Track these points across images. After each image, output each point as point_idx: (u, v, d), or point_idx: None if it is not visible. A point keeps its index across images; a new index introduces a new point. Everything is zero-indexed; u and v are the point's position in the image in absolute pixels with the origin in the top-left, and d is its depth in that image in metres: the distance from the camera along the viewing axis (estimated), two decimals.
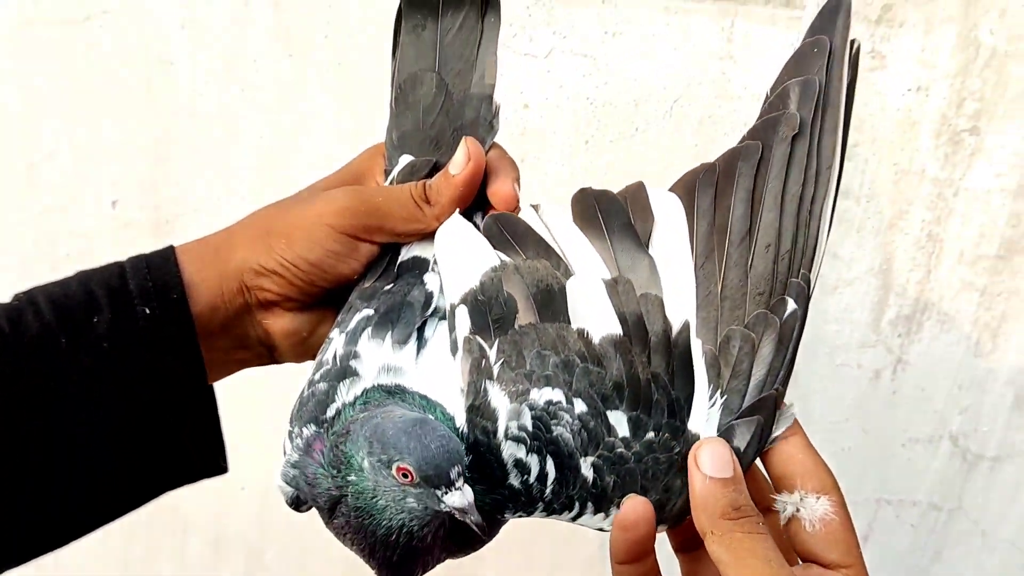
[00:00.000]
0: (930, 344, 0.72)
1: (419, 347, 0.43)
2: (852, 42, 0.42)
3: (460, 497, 0.36)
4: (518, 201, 0.46)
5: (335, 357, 0.42)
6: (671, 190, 0.43)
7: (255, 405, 0.70)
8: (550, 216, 0.44)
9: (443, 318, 0.43)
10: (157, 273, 0.44)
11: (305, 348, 0.47)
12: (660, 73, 0.70)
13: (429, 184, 0.45)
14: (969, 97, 0.67)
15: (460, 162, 0.44)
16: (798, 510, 0.38)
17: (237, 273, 0.45)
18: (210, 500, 0.89)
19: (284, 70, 0.75)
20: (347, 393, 0.41)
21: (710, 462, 0.37)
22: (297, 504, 0.44)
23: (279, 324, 0.46)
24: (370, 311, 0.43)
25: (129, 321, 0.43)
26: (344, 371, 0.42)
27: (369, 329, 0.42)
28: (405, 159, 0.48)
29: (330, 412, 0.41)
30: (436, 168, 0.47)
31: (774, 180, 0.41)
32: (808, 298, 0.39)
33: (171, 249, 0.45)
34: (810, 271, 0.39)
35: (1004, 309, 0.70)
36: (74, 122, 0.78)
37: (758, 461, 0.39)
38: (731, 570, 0.36)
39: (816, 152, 0.41)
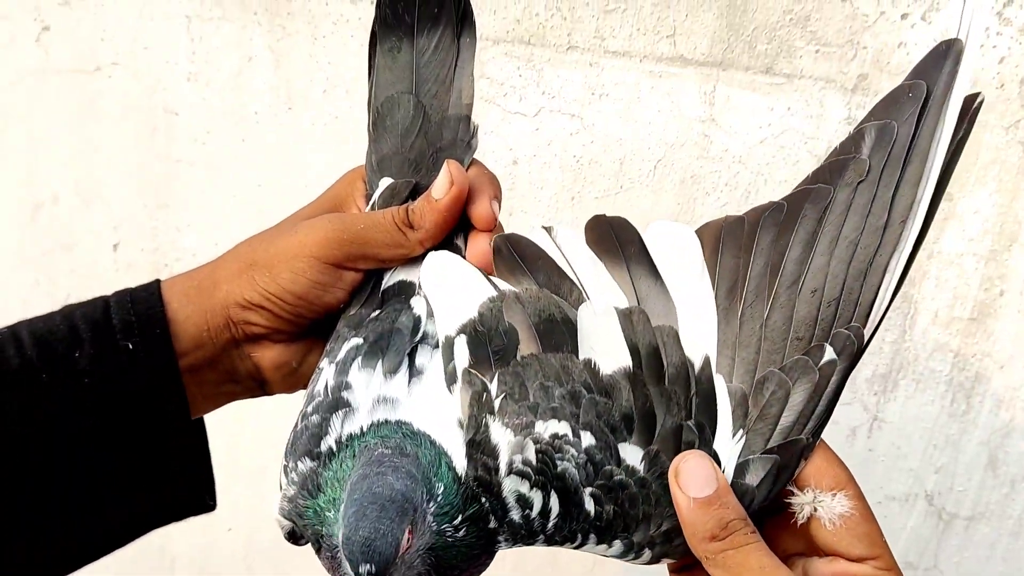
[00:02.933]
0: (905, 403, 0.72)
1: (410, 375, 0.41)
2: (976, 95, 0.39)
3: None
4: (497, 220, 0.45)
5: (326, 388, 0.40)
6: (697, 232, 0.42)
7: (242, 447, 0.70)
8: (564, 240, 0.42)
9: (434, 346, 0.41)
10: (141, 307, 0.43)
11: (296, 378, 0.45)
12: (644, 134, 0.71)
13: (412, 208, 0.43)
14: None
15: (443, 186, 0.43)
16: (815, 509, 0.37)
17: (222, 308, 0.43)
18: (197, 541, 0.88)
19: (283, 123, 0.76)
20: (340, 426, 0.39)
21: (691, 481, 0.36)
22: (294, 538, 0.42)
23: (268, 356, 0.44)
24: (359, 340, 0.41)
25: (111, 356, 0.42)
26: (336, 403, 0.40)
27: (359, 359, 0.41)
28: (385, 182, 0.46)
29: (324, 446, 0.39)
30: (417, 190, 0.45)
31: (831, 225, 0.39)
32: (858, 352, 0.37)
33: (156, 283, 0.44)
34: (863, 325, 0.37)
35: (978, 370, 0.70)
36: (79, 167, 0.79)
37: None
38: None
39: (889, 203, 0.38)
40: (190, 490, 0.46)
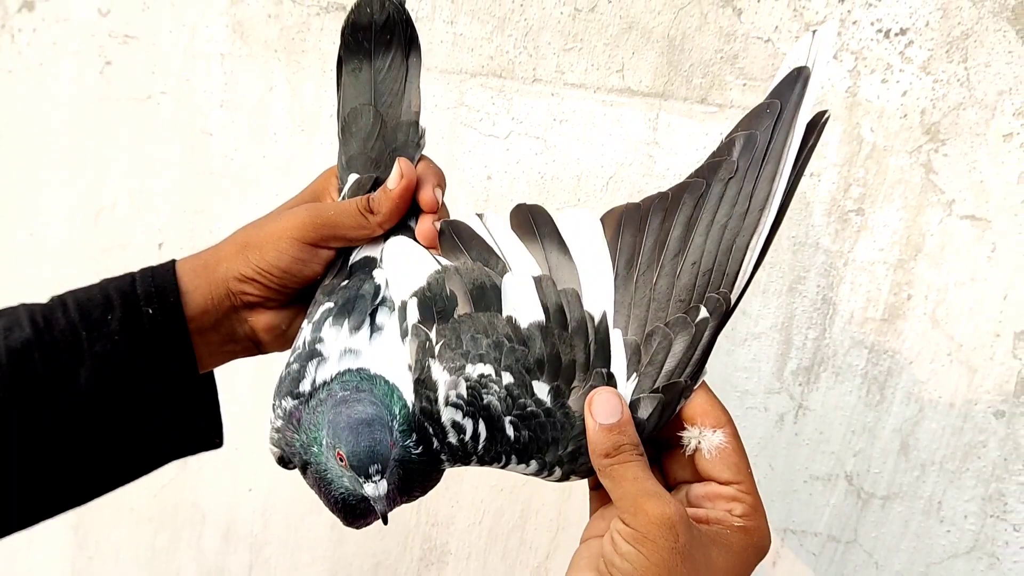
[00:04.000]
0: (826, 393, 0.81)
1: (372, 332, 0.50)
2: (824, 112, 0.47)
3: (373, 488, 0.44)
4: (439, 204, 0.54)
5: (304, 343, 0.50)
6: (601, 218, 0.50)
7: (259, 421, 0.83)
8: (493, 223, 0.52)
9: (392, 309, 0.50)
10: (159, 281, 0.53)
11: (285, 339, 0.55)
12: (597, 154, 0.82)
13: (372, 197, 0.53)
14: (854, 183, 0.77)
15: (395, 179, 0.52)
16: (699, 442, 0.45)
17: (223, 281, 0.53)
18: (223, 499, 1.02)
19: (297, 142, 0.90)
20: (315, 371, 0.48)
21: (601, 409, 0.44)
22: (283, 463, 0.51)
23: (262, 321, 0.54)
24: (331, 304, 0.51)
25: (136, 319, 0.51)
26: (312, 353, 0.49)
27: (330, 319, 0.50)
28: (352, 177, 0.56)
29: (303, 387, 0.48)
30: (378, 183, 0.55)
31: (707, 211, 0.47)
32: (725, 313, 0.45)
33: (172, 262, 0.54)
34: (731, 291, 0.45)
35: (889, 365, 0.79)
36: (132, 179, 0.94)
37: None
38: (613, 493, 0.43)
39: (750, 195, 0.46)
40: (200, 430, 0.55)
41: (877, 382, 0.79)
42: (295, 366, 0.50)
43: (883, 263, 0.77)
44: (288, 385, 0.49)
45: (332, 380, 0.48)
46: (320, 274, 0.54)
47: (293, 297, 0.55)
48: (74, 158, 0.96)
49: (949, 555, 0.80)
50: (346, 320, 0.50)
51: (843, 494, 0.82)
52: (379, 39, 0.56)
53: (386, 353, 0.49)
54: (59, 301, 0.52)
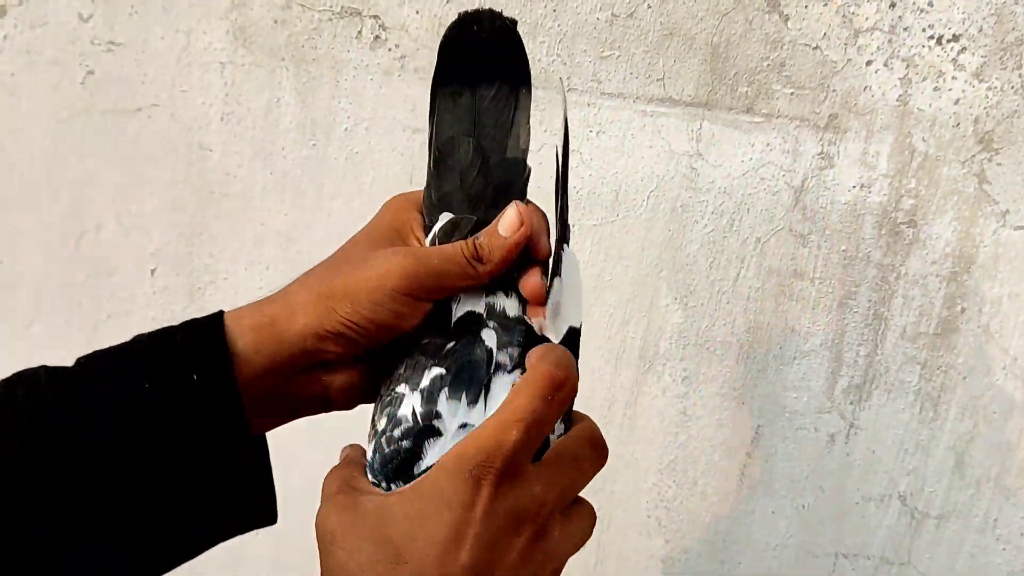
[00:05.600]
0: (879, 411, 0.78)
1: (486, 404, 0.44)
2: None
3: None
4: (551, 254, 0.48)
5: (415, 415, 0.43)
6: None
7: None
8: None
9: (507, 371, 0.44)
10: (205, 339, 0.44)
11: (357, 396, 0.48)
12: (637, 167, 0.78)
13: (480, 244, 0.46)
14: (906, 194, 0.74)
15: (511, 224, 0.46)
16: None
17: (299, 339, 0.45)
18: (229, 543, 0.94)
19: (308, 157, 0.83)
20: (432, 452, 0.42)
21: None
22: None
23: (338, 379, 0.47)
24: (442, 370, 0.44)
25: (178, 386, 0.43)
26: (428, 430, 0.42)
27: (446, 389, 0.43)
28: (445, 216, 0.49)
29: (418, 470, 0.42)
30: (479, 225, 0.48)
31: None
32: None
33: (220, 315, 0.46)
34: None
35: (943, 381, 0.76)
36: (121, 200, 0.86)
37: None
38: None
39: None
40: (253, 505, 0.48)
41: (931, 398, 0.77)
42: (406, 443, 0.43)
43: (936, 276, 0.75)
44: (400, 466, 0.43)
45: None
46: (415, 327, 0.47)
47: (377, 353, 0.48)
48: (53, 177, 0.87)
49: (1005, 574, 0.78)
50: (464, 393, 0.44)
51: (896, 515, 0.80)
52: (485, 61, 0.50)
53: None
54: (86, 360, 0.45)
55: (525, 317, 0.47)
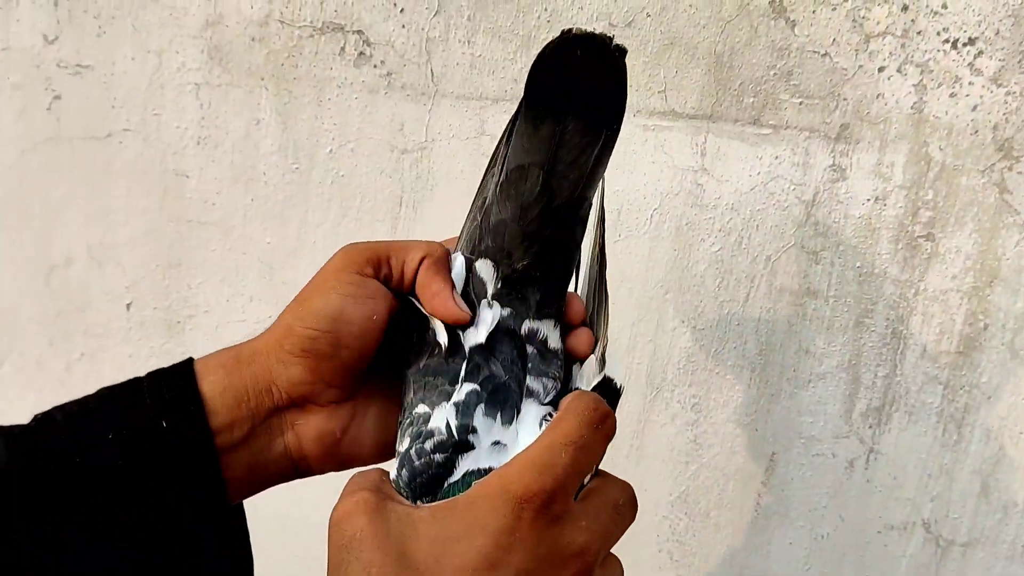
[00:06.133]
0: (900, 435, 0.74)
1: (518, 428, 0.43)
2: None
3: None
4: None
5: (449, 427, 0.41)
6: None
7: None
8: None
9: (540, 402, 0.43)
10: (175, 383, 0.42)
11: (335, 453, 0.44)
12: (639, 184, 0.74)
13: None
14: (923, 206, 0.70)
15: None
16: None
17: (264, 371, 0.42)
18: None
19: (291, 181, 0.78)
20: (462, 468, 0.41)
21: None
22: None
23: (312, 424, 0.43)
24: (476, 386, 0.42)
25: (145, 436, 0.40)
26: (463, 444, 0.41)
27: (483, 405, 0.42)
28: (487, 269, 0.46)
29: (445, 484, 0.40)
30: (513, 273, 0.46)
31: None
32: None
33: (189, 361, 0.43)
34: None
35: (966, 401, 0.73)
36: (92, 231, 0.81)
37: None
38: None
39: None
40: (228, 560, 0.44)
41: (954, 420, 0.73)
42: (438, 456, 0.40)
43: (956, 291, 0.71)
44: (429, 480, 0.40)
45: (458, 481, 0.41)
46: (377, 315, 0.44)
47: (351, 390, 0.45)
48: (20, 209, 0.82)
49: None
50: (499, 411, 0.42)
51: (921, 543, 0.76)
52: (582, 94, 0.45)
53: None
54: (44, 418, 0.41)
55: (563, 352, 0.46)
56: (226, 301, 0.81)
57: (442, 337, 0.44)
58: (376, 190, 0.77)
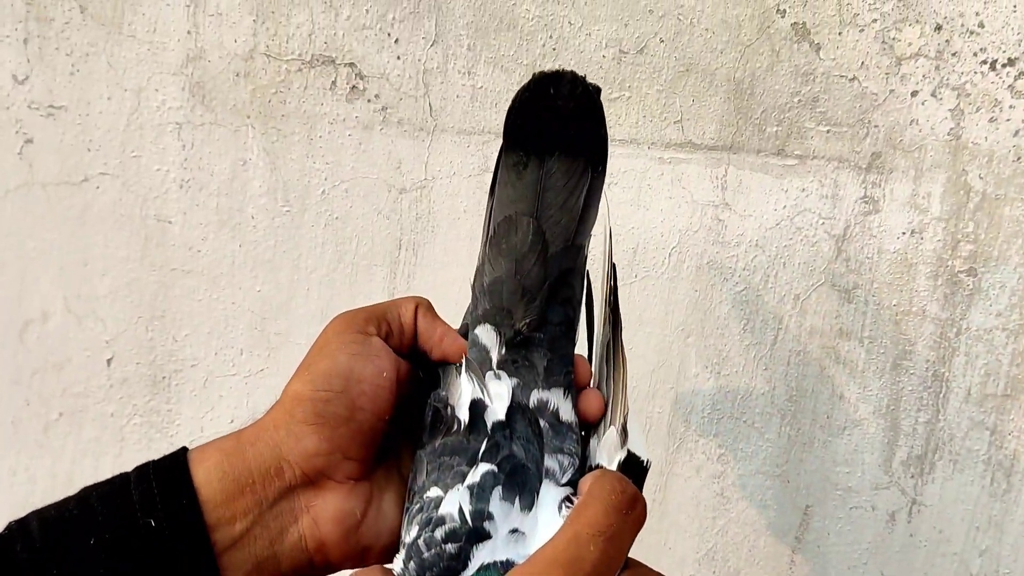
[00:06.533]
0: (944, 485, 0.69)
1: (537, 514, 0.39)
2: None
3: None
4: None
5: (462, 513, 0.37)
6: None
7: None
8: None
9: (558, 483, 0.40)
10: (164, 475, 0.37)
11: (356, 539, 0.39)
12: (656, 221, 0.69)
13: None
14: (963, 239, 0.65)
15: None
16: None
17: (272, 450, 0.38)
18: None
19: (281, 225, 0.73)
20: (480, 556, 0.37)
21: None
22: None
23: (331, 505, 0.39)
24: (493, 467, 0.39)
25: (129, 537, 0.36)
26: (479, 532, 0.37)
27: (500, 488, 0.38)
28: (489, 335, 0.43)
29: None
30: (520, 334, 0.43)
31: None
32: None
33: (183, 450, 0.39)
34: None
35: (1015, 447, 0.67)
36: (69, 282, 0.75)
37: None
38: None
39: None
40: None
41: (1002, 468, 0.68)
42: (451, 547, 0.36)
43: (1002, 330, 0.66)
44: (441, 574, 0.36)
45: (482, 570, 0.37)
46: (385, 372, 0.40)
47: (370, 464, 0.41)
48: None
49: None
50: (517, 496, 0.38)
51: None
52: (560, 131, 0.43)
53: (546, 534, 0.38)
54: (18, 525, 0.36)
55: (576, 424, 0.42)
56: (215, 354, 0.75)
57: (463, 413, 0.40)
58: (373, 232, 0.72)
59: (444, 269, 0.71)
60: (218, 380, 0.76)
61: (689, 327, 0.70)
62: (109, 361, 0.76)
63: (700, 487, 0.72)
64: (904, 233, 0.66)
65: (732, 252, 0.68)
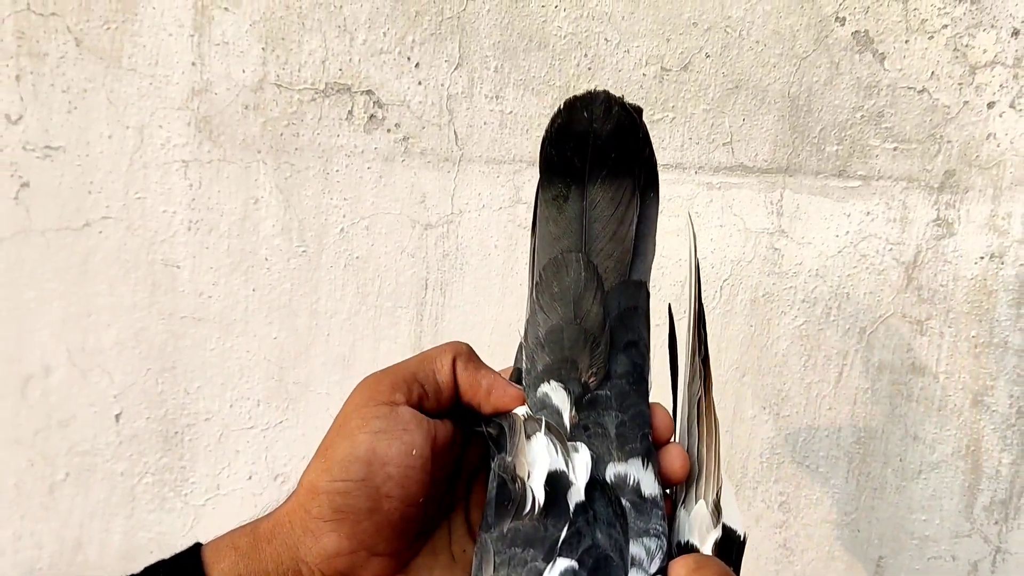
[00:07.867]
0: None
1: None
2: None
3: None
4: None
5: None
6: None
7: None
8: None
9: (644, 571, 0.35)
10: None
11: None
12: (706, 252, 0.63)
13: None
14: None
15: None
16: None
17: (288, 548, 0.34)
18: None
19: (297, 267, 0.67)
20: None
21: None
22: None
23: None
24: (573, 563, 0.34)
25: None
26: None
27: None
28: (559, 394, 0.38)
29: None
30: (586, 396, 0.37)
31: None
32: None
33: (196, 547, 0.36)
34: None
35: None
36: (72, 334, 0.70)
37: None
38: None
39: None
40: None
41: None
42: None
43: None
44: None
45: None
46: (416, 449, 0.35)
47: (405, 557, 0.36)
48: None
49: None
50: None
51: None
52: (599, 157, 0.38)
53: None
54: None
55: (660, 496, 0.37)
56: (229, 407, 0.70)
57: (538, 490, 0.34)
58: (397, 272, 0.66)
59: (475, 310, 0.65)
60: (234, 434, 0.70)
61: (744, 365, 0.64)
62: (117, 417, 0.71)
63: (761, 538, 0.66)
64: (982, 258, 0.60)
65: (790, 283, 0.62)
